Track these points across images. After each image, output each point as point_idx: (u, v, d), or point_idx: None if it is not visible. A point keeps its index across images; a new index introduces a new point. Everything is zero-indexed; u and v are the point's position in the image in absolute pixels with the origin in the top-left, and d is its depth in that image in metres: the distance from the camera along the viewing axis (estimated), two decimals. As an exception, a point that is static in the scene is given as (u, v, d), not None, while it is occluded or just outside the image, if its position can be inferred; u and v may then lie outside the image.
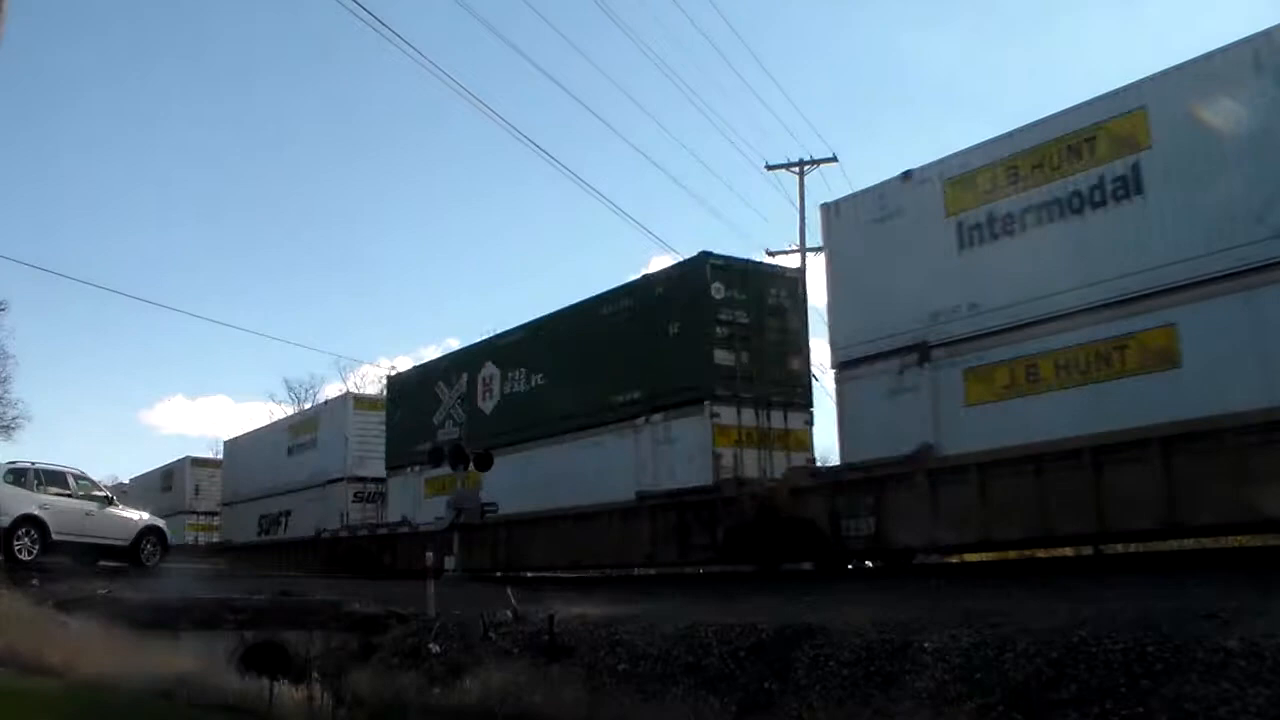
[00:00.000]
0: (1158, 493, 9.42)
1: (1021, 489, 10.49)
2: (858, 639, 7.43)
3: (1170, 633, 6.05)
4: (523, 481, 18.33)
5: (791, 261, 24.17)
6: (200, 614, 12.35)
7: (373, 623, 11.84)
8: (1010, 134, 11.43)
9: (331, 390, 48.28)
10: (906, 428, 11.95)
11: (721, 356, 14.93)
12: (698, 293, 15.23)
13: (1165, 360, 9.73)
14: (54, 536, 16.41)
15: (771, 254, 26.13)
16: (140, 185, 78.42)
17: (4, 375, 38.68)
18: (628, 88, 74.69)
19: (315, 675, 10.04)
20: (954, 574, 13.00)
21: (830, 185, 49.44)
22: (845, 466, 12.85)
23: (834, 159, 27.57)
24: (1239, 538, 10.58)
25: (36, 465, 17.15)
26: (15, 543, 15.99)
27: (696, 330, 15.19)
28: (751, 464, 14.81)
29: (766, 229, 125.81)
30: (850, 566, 13.90)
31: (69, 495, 16.93)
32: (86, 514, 17.07)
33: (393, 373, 28.02)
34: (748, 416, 15.06)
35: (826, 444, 16.02)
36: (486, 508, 18.77)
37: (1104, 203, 10.39)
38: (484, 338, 20.43)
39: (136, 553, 17.76)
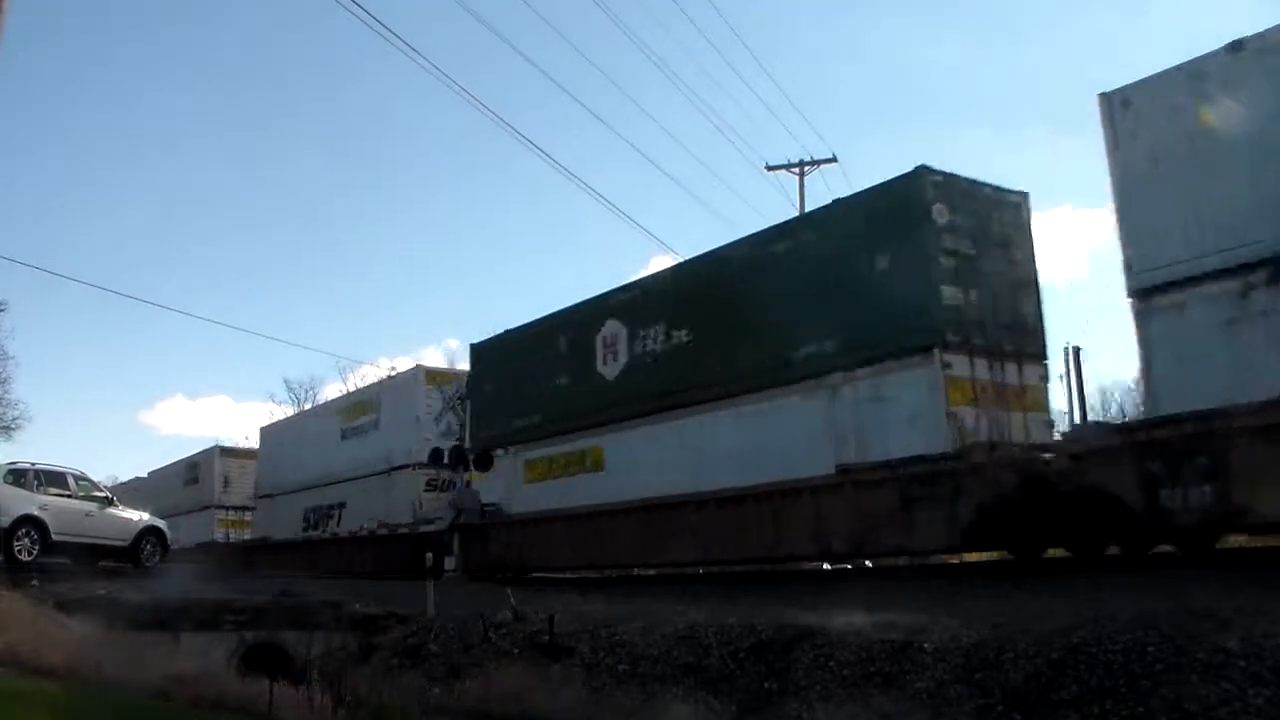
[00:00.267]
0: None
1: None
2: (858, 639, 7.43)
3: (1170, 633, 6.05)
4: (658, 459, 15.02)
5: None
6: (200, 614, 12.37)
7: (373, 623, 11.85)
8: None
9: (332, 390, 47.83)
10: (1254, 368, 9.32)
11: (950, 295, 12.00)
12: (917, 215, 12.18)
13: None
14: (54, 537, 16.44)
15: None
16: (140, 185, 78.48)
17: (4, 376, 38.65)
18: (628, 88, 74.76)
19: (315, 676, 10.03)
20: (954, 574, 12.99)
21: (830, 185, 49.49)
22: (1164, 419, 9.84)
23: (834, 159, 27.63)
24: (1240, 537, 10.53)
25: (36, 466, 17.18)
26: (15, 543, 16.02)
27: (916, 262, 12.08)
28: (984, 429, 11.92)
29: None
30: (1170, 550, 11.04)
31: (69, 496, 16.96)
32: (86, 514, 17.09)
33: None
34: (980, 369, 12.04)
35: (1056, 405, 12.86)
36: (487, 508, 18.76)
37: None
38: (598, 294, 17.27)
39: (136, 553, 17.78)
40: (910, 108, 78.89)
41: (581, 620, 9.89)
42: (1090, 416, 11.89)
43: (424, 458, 21.60)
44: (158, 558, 18.29)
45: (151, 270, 76.39)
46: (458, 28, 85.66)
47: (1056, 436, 12.19)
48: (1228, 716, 5.26)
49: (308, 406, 46.00)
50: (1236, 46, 9.88)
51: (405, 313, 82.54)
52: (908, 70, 77.77)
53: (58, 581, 14.73)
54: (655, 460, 15.09)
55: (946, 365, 11.73)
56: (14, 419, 38.71)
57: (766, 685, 7.54)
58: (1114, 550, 11.02)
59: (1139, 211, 10.74)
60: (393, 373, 25.99)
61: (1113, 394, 34.26)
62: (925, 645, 6.96)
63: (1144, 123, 10.74)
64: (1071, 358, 11.23)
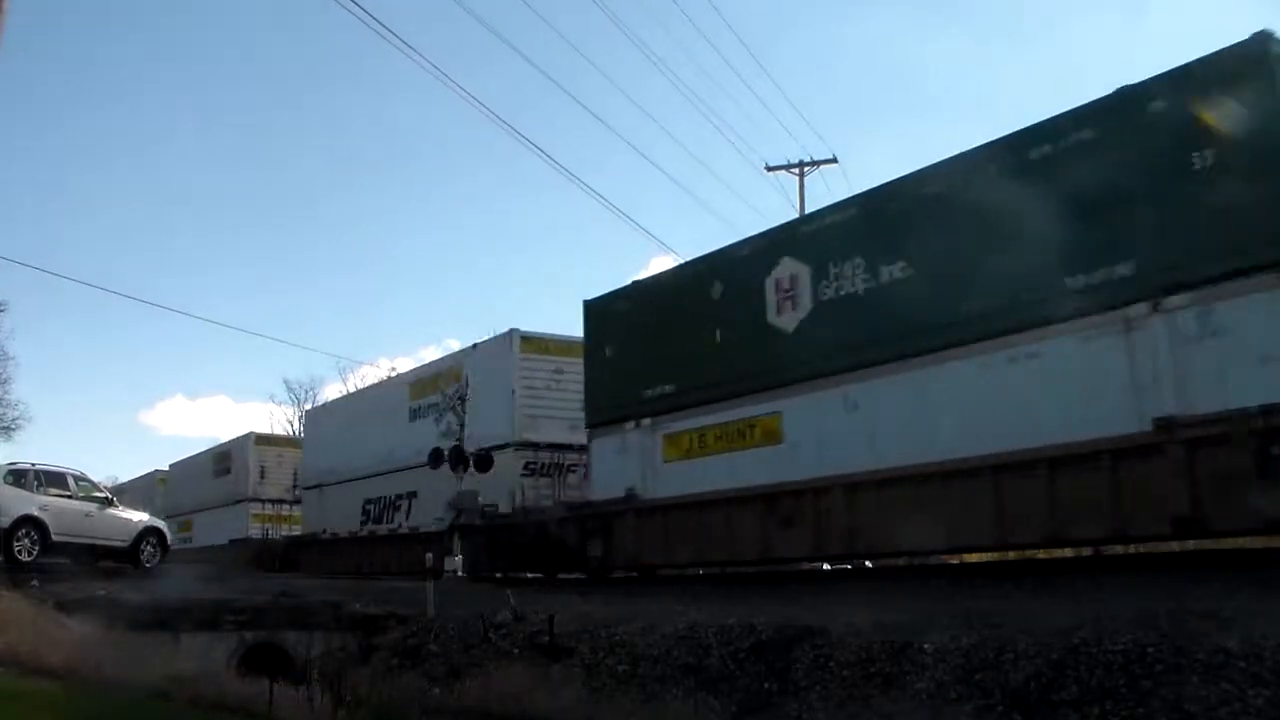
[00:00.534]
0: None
1: None
2: (858, 640, 7.43)
3: (1170, 633, 6.06)
4: (864, 425, 12.03)
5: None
6: (200, 614, 12.37)
7: (373, 623, 11.85)
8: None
9: (332, 390, 47.31)
10: None
11: None
12: (1255, 93, 9.22)
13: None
14: (54, 537, 16.43)
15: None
16: (140, 186, 78.48)
17: (4, 376, 38.69)
18: (628, 88, 74.77)
19: (315, 676, 10.04)
20: (954, 574, 13.00)
21: (830, 186, 49.51)
22: None
23: (834, 160, 27.59)
24: (1239, 538, 10.51)
25: (36, 466, 17.17)
26: (15, 544, 16.01)
27: (1261, 154, 9.09)
28: None
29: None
30: None
31: (69, 496, 16.95)
32: (86, 515, 17.09)
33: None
34: None
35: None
36: (487, 508, 18.74)
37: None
38: (764, 230, 14.38)
39: (136, 554, 17.78)
40: (910, 107, 78.94)
41: (581, 620, 9.89)
42: None
43: (521, 436, 18.96)
44: (158, 558, 18.28)
45: (152, 270, 76.50)
46: (457, 27, 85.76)
47: None
48: (1228, 716, 5.26)
49: (307, 407, 45.12)
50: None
51: (405, 313, 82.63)
52: (908, 69, 77.83)
53: (58, 581, 14.73)
54: (858, 427, 12.06)
55: None
56: (14, 419, 38.79)
57: (766, 685, 7.54)
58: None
59: None
60: (478, 341, 21.65)
61: None
62: (925, 645, 6.96)
63: None
64: None
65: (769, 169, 28.12)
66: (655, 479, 14.96)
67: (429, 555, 19.31)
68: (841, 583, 13.20)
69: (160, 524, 19.11)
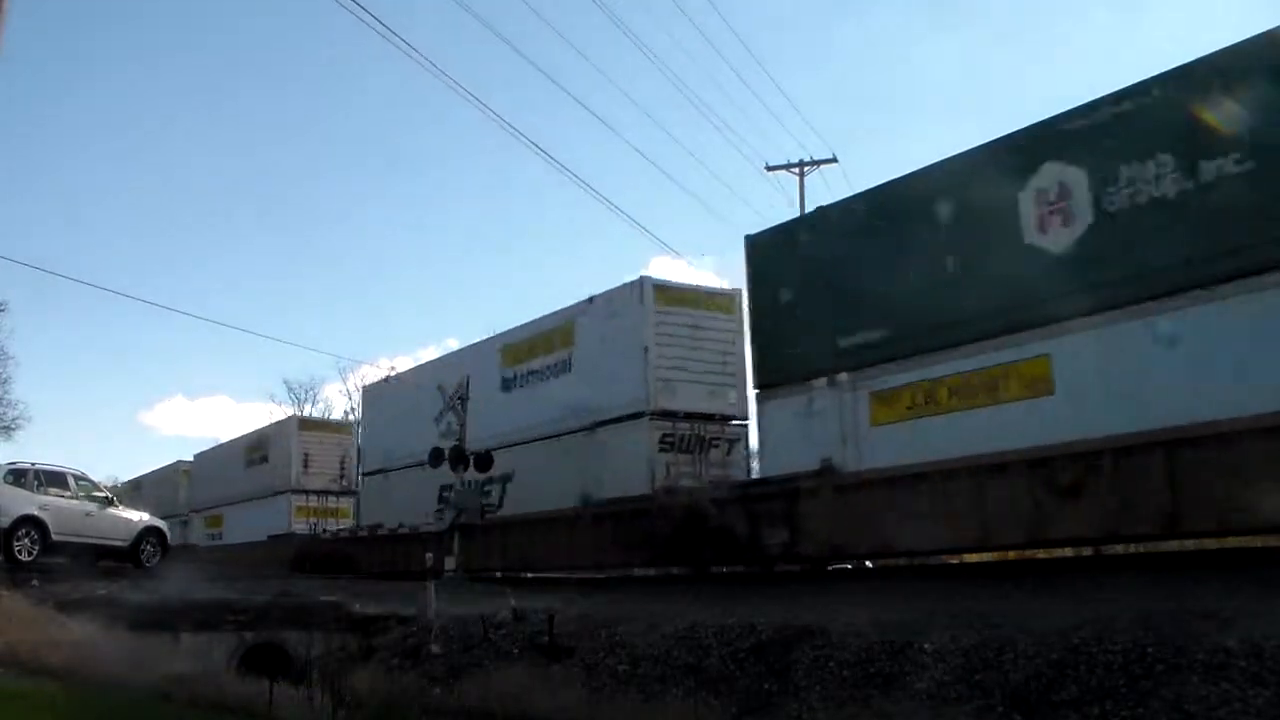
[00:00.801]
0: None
1: None
2: (858, 640, 7.44)
3: (1170, 633, 6.07)
4: (1174, 368, 9.39)
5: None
6: (200, 615, 12.37)
7: (373, 623, 11.85)
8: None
9: (332, 390, 46.71)
10: None
11: None
12: None
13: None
14: (54, 537, 16.45)
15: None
16: (140, 185, 78.40)
17: (4, 376, 38.61)
18: (627, 88, 74.74)
19: (315, 676, 10.04)
20: (954, 574, 13.00)
21: (830, 185, 49.52)
22: None
23: (834, 159, 27.55)
24: (1239, 538, 10.51)
25: (37, 466, 17.18)
26: (15, 543, 16.03)
27: None
28: None
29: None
30: None
31: (69, 496, 16.97)
32: (86, 515, 17.11)
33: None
34: None
35: None
36: (487, 508, 18.73)
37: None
38: (1011, 132, 11.35)
39: (136, 553, 17.80)
40: (910, 107, 78.89)
41: (581, 620, 9.89)
42: None
43: (657, 404, 15.75)
44: (158, 558, 18.29)
45: (151, 270, 76.30)
46: (456, 27, 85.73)
47: None
48: (1228, 716, 5.26)
49: (308, 408, 45.33)
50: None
51: (405, 313, 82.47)
52: (908, 69, 77.74)
53: (58, 581, 14.74)
54: (1176, 367, 9.41)
55: None
56: (14, 419, 38.69)
57: (766, 685, 7.54)
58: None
59: None
60: (598, 293, 17.74)
61: None
62: (925, 645, 6.97)
63: None
64: None
65: (769, 169, 28.13)
66: (860, 446, 12.03)
67: (429, 555, 19.28)
68: (841, 583, 13.19)
69: (160, 524, 19.10)
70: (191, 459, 37.92)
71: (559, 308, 18.75)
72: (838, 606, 8.80)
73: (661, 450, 15.70)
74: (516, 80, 73.95)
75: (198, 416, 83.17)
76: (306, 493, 28.55)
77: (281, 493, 28.80)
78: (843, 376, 12.38)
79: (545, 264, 77.14)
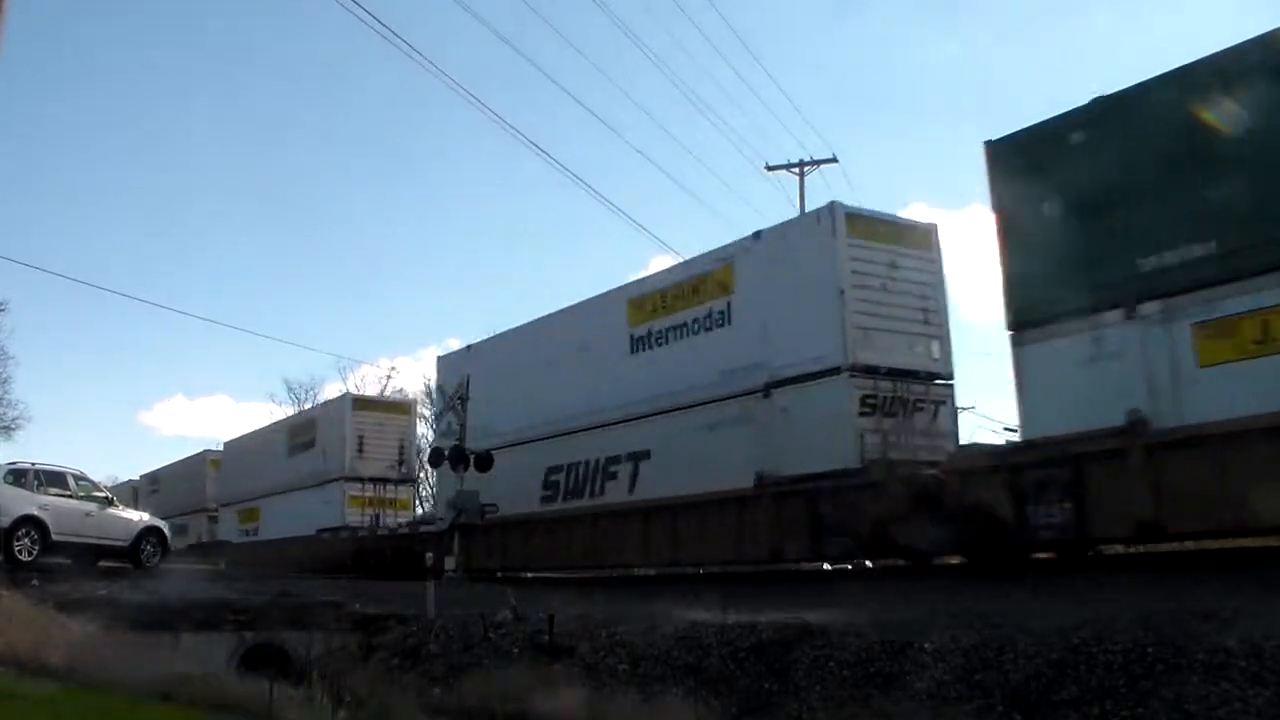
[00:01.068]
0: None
1: None
2: (858, 639, 7.45)
3: (1170, 633, 6.07)
4: None
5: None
6: (200, 615, 12.37)
7: (373, 623, 11.86)
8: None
9: (332, 390, 46.05)
10: None
11: None
12: None
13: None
14: (54, 537, 16.46)
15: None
16: (140, 185, 78.39)
17: (4, 376, 38.63)
18: (627, 87, 74.68)
19: (315, 676, 10.04)
20: (954, 574, 12.98)
21: (830, 185, 49.51)
22: None
23: (834, 159, 27.49)
24: (1240, 538, 10.48)
25: (37, 466, 17.19)
26: (15, 543, 16.03)
27: None
28: None
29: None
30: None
31: (69, 496, 16.98)
32: (86, 515, 17.11)
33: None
34: None
35: None
36: (487, 508, 18.71)
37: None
38: None
39: (136, 553, 17.80)
40: (910, 107, 78.87)
41: (581, 620, 9.89)
42: None
43: (856, 358, 12.79)
44: (158, 558, 18.29)
45: (152, 270, 76.30)
46: (456, 26, 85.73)
47: None
48: (1228, 716, 5.27)
49: (307, 406, 43.09)
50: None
51: (405, 313, 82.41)
52: (907, 69, 77.72)
53: (58, 581, 14.73)
54: None
55: None
56: (14, 419, 38.67)
57: (766, 685, 7.55)
58: None
59: None
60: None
61: None
62: (925, 645, 6.97)
63: None
64: None
65: (769, 169, 28.08)
66: (1181, 394, 9.41)
67: (429, 555, 19.26)
68: (841, 583, 13.18)
69: (160, 524, 19.09)
70: (220, 447, 34.98)
71: (698, 253, 15.84)
72: (838, 606, 8.80)
73: (862, 414, 12.79)
74: (516, 80, 73.98)
75: (198, 416, 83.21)
76: (361, 480, 25.26)
77: (333, 480, 25.38)
78: (1150, 306, 9.71)
79: (545, 264, 77.13)
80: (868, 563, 14.34)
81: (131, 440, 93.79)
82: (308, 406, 41.85)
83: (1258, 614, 6.12)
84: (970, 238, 47.82)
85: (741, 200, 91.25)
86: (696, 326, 15.15)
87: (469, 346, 20.92)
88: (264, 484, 29.19)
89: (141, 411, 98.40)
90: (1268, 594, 6.94)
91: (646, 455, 15.58)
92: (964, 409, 14.26)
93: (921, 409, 13.18)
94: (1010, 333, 10.97)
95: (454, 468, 18.76)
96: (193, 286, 76.71)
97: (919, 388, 13.23)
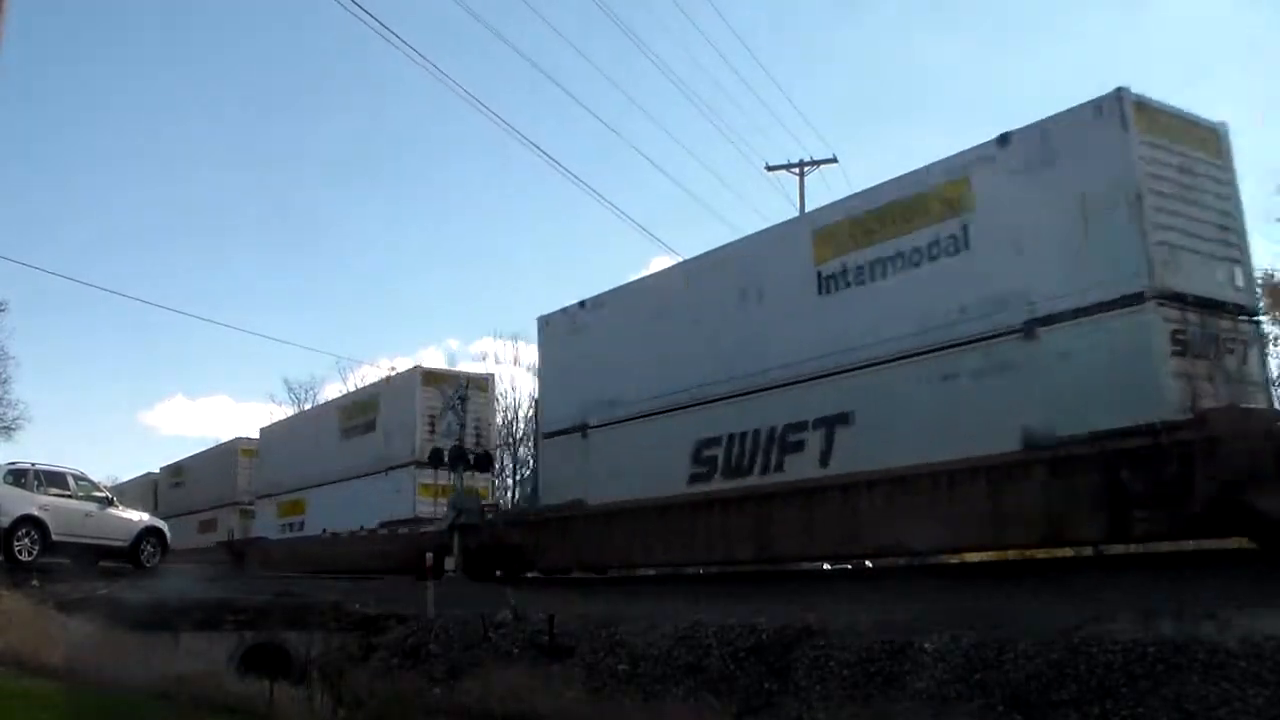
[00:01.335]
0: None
1: None
2: (858, 639, 7.44)
3: (1170, 633, 6.07)
4: None
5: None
6: (200, 614, 12.38)
7: (373, 623, 11.85)
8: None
9: (332, 390, 45.15)
10: None
11: None
12: None
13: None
14: (54, 537, 16.46)
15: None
16: (140, 185, 78.40)
17: (4, 376, 38.56)
18: (628, 88, 74.70)
19: (315, 675, 10.05)
20: (954, 574, 12.99)
21: (830, 185, 49.51)
22: None
23: (834, 160, 27.50)
24: (1240, 538, 10.47)
25: (37, 466, 17.19)
26: (15, 543, 16.04)
27: None
28: None
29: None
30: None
31: (69, 496, 16.98)
32: (86, 515, 17.12)
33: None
34: None
35: None
36: (487, 508, 18.75)
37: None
38: None
39: (136, 554, 17.81)
40: (910, 107, 78.89)
41: (581, 620, 9.89)
42: None
43: (1163, 283, 9.73)
44: (158, 558, 18.30)
45: (152, 270, 76.28)
46: (455, 26, 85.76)
47: None
48: (1228, 716, 5.27)
49: (307, 406, 42.14)
50: None
51: (405, 313, 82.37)
52: (907, 70, 77.74)
53: (58, 581, 14.75)
54: None
55: None
56: (14, 419, 38.60)
57: (767, 685, 7.54)
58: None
59: None
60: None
61: None
62: (925, 645, 6.97)
63: None
64: None
65: (769, 169, 28.08)
66: None
67: (429, 555, 19.20)
68: (841, 583, 13.18)
69: (160, 524, 19.10)
70: (257, 434, 31.50)
71: (879, 182, 12.68)
72: (838, 606, 8.80)
73: (1174, 354, 9.90)
74: (516, 80, 74.01)
75: (198, 416, 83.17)
76: (425, 466, 21.56)
77: (400, 466, 21.87)
78: None
79: (545, 264, 77.12)
80: (868, 563, 14.37)
81: (132, 440, 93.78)
82: (305, 406, 40.20)
83: (1258, 614, 6.12)
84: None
85: (742, 200, 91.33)
86: (917, 257, 11.95)
87: (582, 303, 16.95)
88: (312, 473, 25.79)
89: (142, 411, 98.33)
90: (1268, 594, 6.94)
91: (845, 419, 12.33)
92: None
93: (1231, 350, 10.53)
94: None
95: (454, 468, 18.82)
96: (193, 286, 76.69)
97: (1225, 323, 10.49)
